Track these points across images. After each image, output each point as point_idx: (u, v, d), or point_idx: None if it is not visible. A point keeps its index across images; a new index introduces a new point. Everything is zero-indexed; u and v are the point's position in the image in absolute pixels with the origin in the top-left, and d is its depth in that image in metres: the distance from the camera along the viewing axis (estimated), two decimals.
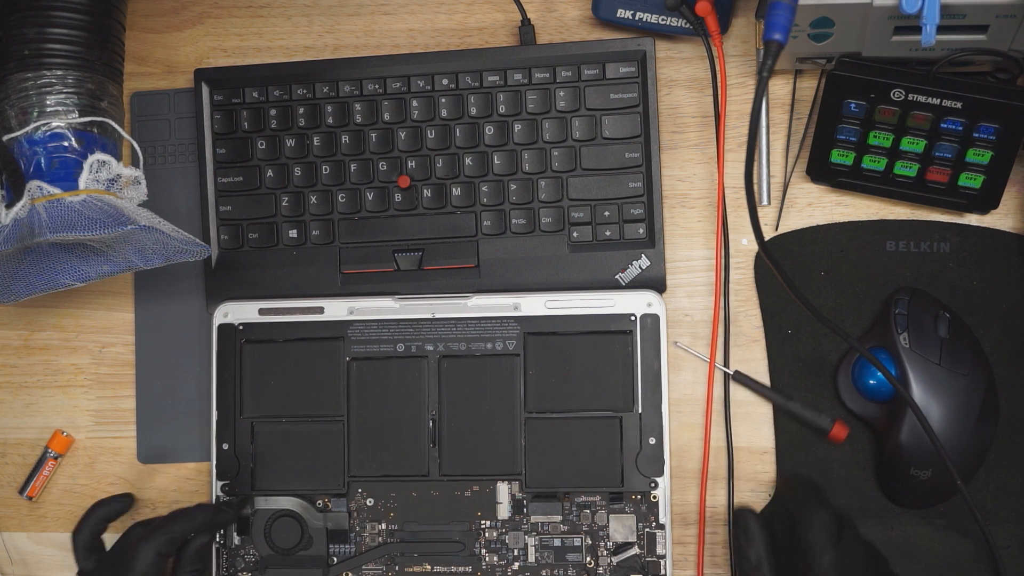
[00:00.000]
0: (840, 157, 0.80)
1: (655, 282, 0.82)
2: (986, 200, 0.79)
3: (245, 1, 0.89)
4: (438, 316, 0.83)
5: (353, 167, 0.85)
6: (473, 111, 0.84)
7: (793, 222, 0.83)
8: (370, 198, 0.85)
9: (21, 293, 0.81)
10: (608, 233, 0.83)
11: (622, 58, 0.83)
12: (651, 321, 0.81)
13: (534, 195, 0.84)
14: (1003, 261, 0.81)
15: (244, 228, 0.86)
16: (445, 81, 0.84)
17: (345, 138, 0.85)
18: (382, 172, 0.85)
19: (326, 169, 0.86)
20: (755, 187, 0.84)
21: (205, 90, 0.87)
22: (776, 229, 0.83)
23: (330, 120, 0.85)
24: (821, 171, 0.81)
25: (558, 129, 0.84)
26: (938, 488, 0.78)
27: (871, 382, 0.79)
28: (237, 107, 0.86)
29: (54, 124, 0.79)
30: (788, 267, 0.82)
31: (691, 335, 0.83)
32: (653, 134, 0.82)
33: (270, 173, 0.86)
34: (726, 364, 0.82)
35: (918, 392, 0.76)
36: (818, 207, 0.83)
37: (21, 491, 0.88)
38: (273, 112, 0.86)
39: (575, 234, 0.83)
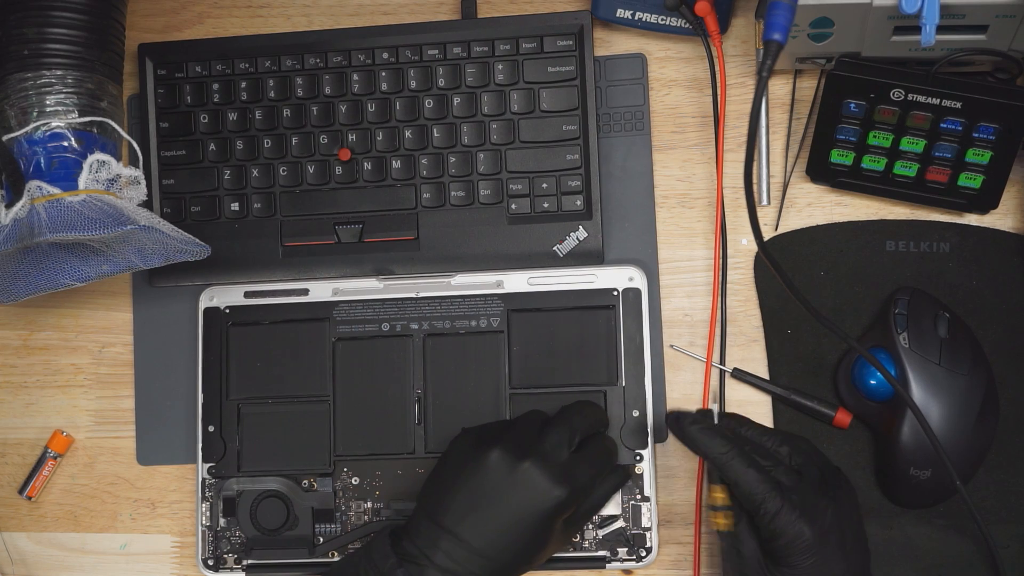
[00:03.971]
0: (840, 157, 0.80)
1: (593, 253, 0.83)
2: (986, 200, 0.79)
3: (245, 1, 0.89)
4: (422, 295, 0.84)
5: (294, 140, 0.86)
6: (413, 84, 0.85)
7: (793, 222, 0.83)
8: (311, 171, 0.86)
9: (21, 293, 0.81)
10: (546, 205, 0.84)
11: (560, 32, 0.84)
12: (633, 295, 0.82)
13: (473, 168, 0.84)
14: (1003, 261, 0.81)
15: (187, 201, 0.87)
16: (385, 55, 0.85)
17: (286, 112, 0.86)
18: (323, 145, 0.86)
19: (267, 143, 0.86)
20: (755, 187, 0.84)
21: (149, 65, 0.87)
22: (776, 229, 0.83)
23: (272, 94, 0.86)
24: (821, 171, 0.81)
25: (496, 102, 0.84)
26: (938, 488, 0.78)
27: (871, 382, 0.79)
28: (180, 81, 0.87)
29: (54, 124, 0.79)
30: (788, 267, 0.82)
31: (691, 335, 0.83)
32: (590, 106, 0.83)
33: (212, 147, 0.87)
34: (722, 363, 0.82)
35: (918, 392, 0.76)
36: (818, 207, 0.83)
37: (21, 491, 0.88)
38: (215, 86, 0.87)
39: (513, 206, 0.84)
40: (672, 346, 0.83)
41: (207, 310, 0.85)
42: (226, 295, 0.86)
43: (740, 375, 0.82)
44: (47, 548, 0.88)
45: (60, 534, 0.88)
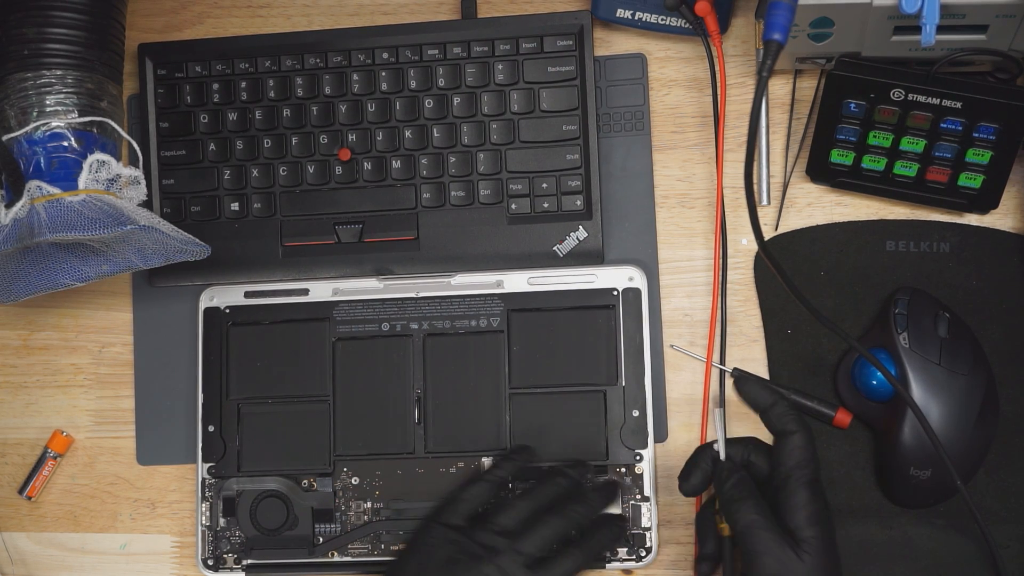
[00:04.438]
0: (840, 157, 0.80)
1: (593, 253, 0.83)
2: (986, 200, 0.79)
3: (245, 1, 0.89)
4: (422, 295, 0.84)
5: (294, 140, 0.86)
6: (413, 84, 0.85)
7: (793, 222, 0.83)
8: (311, 171, 0.86)
9: (21, 293, 0.81)
10: (546, 205, 0.84)
11: (560, 32, 0.84)
12: (633, 295, 0.82)
13: (473, 168, 0.85)
14: (1003, 261, 0.81)
15: (187, 201, 0.87)
16: (385, 55, 0.85)
17: (286, 112, 0.86)
18: (323, 145, 0.86)
19: (267, 143, 0.86)
20: (755, 187, 0.84)
21: (149, 65, 0.87)
22: (776, 229, 0.83)
23: (272, 94, 0.86)
24: (821, 171, 0.81)
25: (496, 102, 0.85)
26: (938, 488, 0.78)
27: (871, 382, 0.79)
28: (180, 81, 0.87)
29: (54, 124, 0.79)
30: (788, 267, 0.82)
31: (691, 335, 0.83)
32: (590, 106, 0.83)
33: (212, 147, 0.87)
34: (722, 363, 0.82)
35: (918, 392, 0.76)
36: (818, 207, 0.83)
37: (21, 491, 0.88)
38: (215, 86, 0.87)
39: (513, 206, 0.84)
40: (672, 346, 0.83)
41: (207, 310, 0.86)
42: (226, 295, 0.86)
43: (740, 375, 0.82)
44: (47, 548, 0.88)
45: (60, 534, 0.88)
